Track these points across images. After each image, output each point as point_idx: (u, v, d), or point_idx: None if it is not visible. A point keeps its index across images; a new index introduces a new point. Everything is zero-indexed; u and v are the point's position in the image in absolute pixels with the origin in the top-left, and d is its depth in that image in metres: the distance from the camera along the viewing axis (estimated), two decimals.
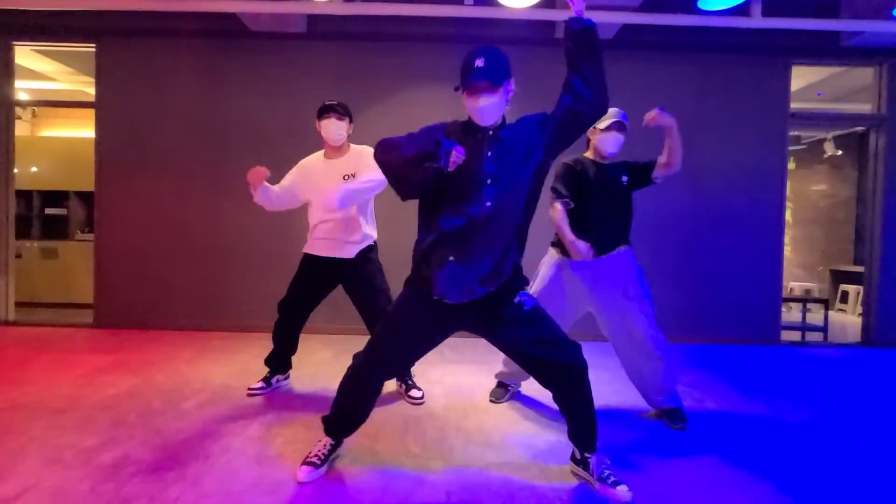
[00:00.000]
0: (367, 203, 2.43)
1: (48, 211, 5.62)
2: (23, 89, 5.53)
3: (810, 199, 7.24)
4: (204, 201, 4.00)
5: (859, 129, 6.41)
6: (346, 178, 2.32)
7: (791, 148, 7.26)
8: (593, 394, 1.64)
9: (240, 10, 3.52)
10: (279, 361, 2.56)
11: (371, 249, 2.44)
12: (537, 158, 1.60)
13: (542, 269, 2.36)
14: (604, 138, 2.20)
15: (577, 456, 1.69)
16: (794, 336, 4.41)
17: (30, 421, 2.04)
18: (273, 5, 3.45)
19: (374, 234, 2.48)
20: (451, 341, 3.60)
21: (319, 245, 2.41)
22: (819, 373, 3.18)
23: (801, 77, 4.95)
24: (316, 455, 1.66)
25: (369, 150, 2.10)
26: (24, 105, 4.34)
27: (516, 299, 1.59)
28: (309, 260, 2.46)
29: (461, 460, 1.80)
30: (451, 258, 1.52)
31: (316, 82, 3.97)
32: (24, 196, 5.47)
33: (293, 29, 3.90)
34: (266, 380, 2.53)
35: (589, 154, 2.30)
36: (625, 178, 2.27)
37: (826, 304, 4.61)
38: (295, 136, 3.97)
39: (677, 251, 3.95)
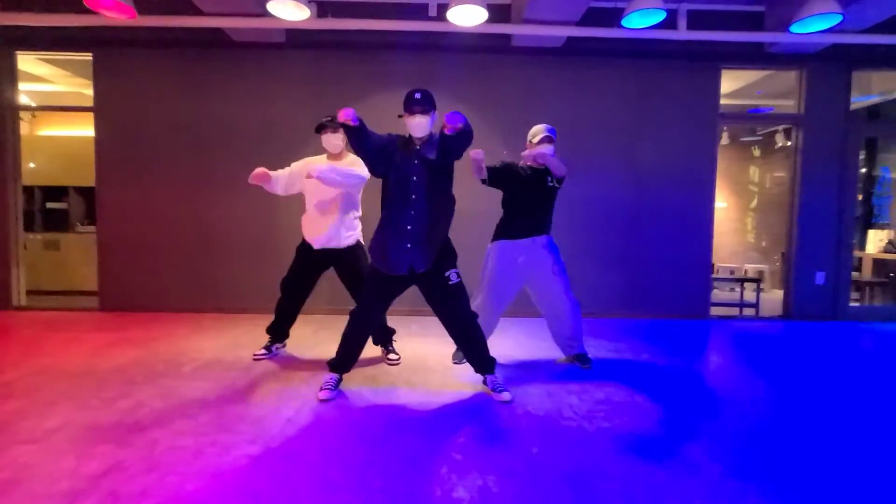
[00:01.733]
0: (353, 206, 2.94)
1: (49, 205, 6.01)
2: (23, 91, 5.87)
3: (766, 186, 7.77)
4: (192, 196, 4.43)
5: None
6: None
7: (750, 138, 7.80)
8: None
9: (223, 25, 3.91)
10: (277, 331, 3.10)
11: (359, 245, 2.96)
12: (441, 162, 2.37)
13: (488, 262, 2.93)
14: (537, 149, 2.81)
15: (482, 378, 2.53)
16: (726, 311, 4.94)
17: (56, 381, 2.51)
18: (252, 21, 3.86)
19: (359, 235, 2.98)
20: (418, 318, 4.10)
21: (318, 238, 2.86)
22: (732, 339, 3.71)
23: (742, 78, 5.42)
24: (328, 383, 2.40)
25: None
26: (28, 109, 4.71)
27: (446, 273, 2.37)
28: (307, 247, 2.93)
29: (402, 400, 2.30)
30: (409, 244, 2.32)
31: (293, 88, 4.39)
32: (26, 191, 5.83)
33: (273, 39, 4.30)
34: (267, 347, 3.06)
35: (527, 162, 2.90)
36: (549, 179, 2.87)
37: (758, 283, 5.14)
38: (273, 136, 4.42)
39: (620, 237, 4.45)
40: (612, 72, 4.39)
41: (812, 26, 3.34)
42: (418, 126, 2.33)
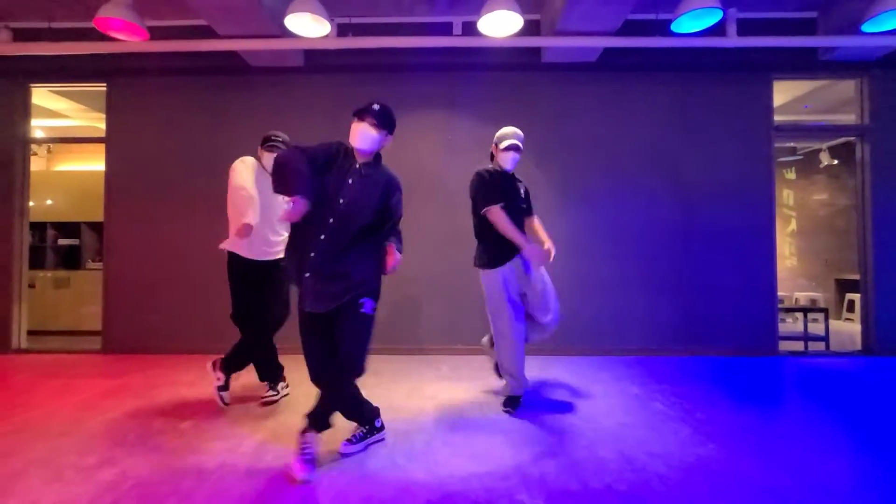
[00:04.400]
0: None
1: (61, 241, 5.83)
2: (39, 127, 5.83)
3: (811, 208, 7.26)
4: (206, 230, 4.14)
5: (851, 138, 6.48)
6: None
7: (788, 158, 7.36)
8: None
9: (240, 48, 3.73)
10: (272, 370, 2.78)
11: None
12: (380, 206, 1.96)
13: (486, 288, 2.56)
14: (503, 157, 2.58)
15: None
16: (795, 346, 4.38)
17: (32, 443, 2.13)
18: (271, 43, 3.66)
19: None
20: (449, 359, 3.69)
21: (266, 251, 2.64)
22: (816, 382, 3.17)
23: (788, 91, 5.06)
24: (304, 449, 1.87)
25: None
26: (38, 142, 4.56)
27: (361, 300, 1.88)
28: (253, 265, 2.63)
29: (445, 471, 1.85)
30: (308, 274, 1.86)
31: (312, 113, 4.16)
32: (39, 228, 5.69)
33: (291, 63, 4.11)
34: (272, 388, 2.74)
35: (494, 165, 2.64)
36: (521, 187, 2.65)
37: (826, 313, 4.58)
38: None
39: (669, 265, 4.00)
40: (653, 87, 4.06)
41: (888, 23, 2.98)
42: (362, 135, 1.92)
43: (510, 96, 4.09)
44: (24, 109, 4.31)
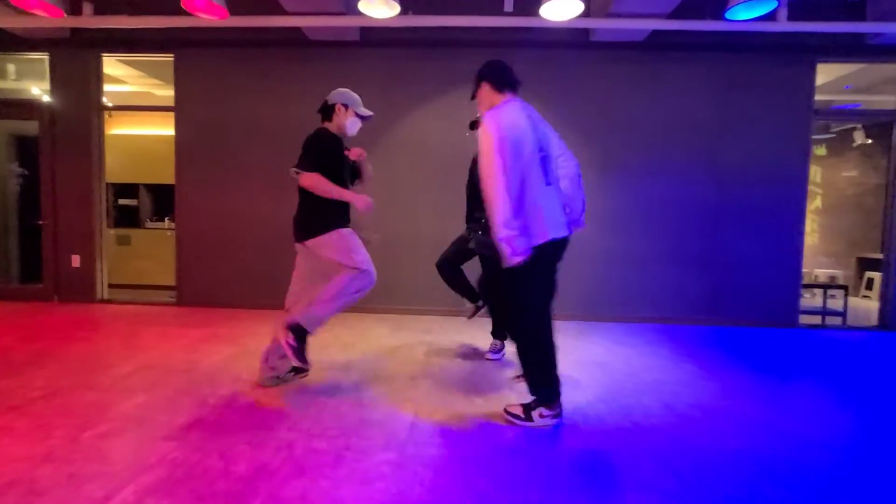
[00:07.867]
0: None
1: (121, 201, 6.23)
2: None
3: (839, 186, 7.34)
4: (267, 193, 4.48)
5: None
6: None
7: (821, 136, 7.38)
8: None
9: (305, 24, 3.93)
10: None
11: None
12: None
13: None
14: (351, 122, 2.53)
15: None
16: (814, 320, 4.66)
17: (167, 377, 2.56)
18: (334, 20, 3.86)
19: None
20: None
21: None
22: (832, 353, 3.49)
23: (829, 72, 5.09)
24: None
25: None
26: (113, 109, 4.88)
27: None
28: None
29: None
30: None
31: (367, 86, 4.35)
32: None
33: (348, 38, 4.30)
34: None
35: (333, 128, 2.55)
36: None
37: (846, 289, 4.83)
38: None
39: (700, 239, 4.26)
40: (697, 66, 4.19)
41: None
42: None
43: (558, 74, 4.26)
44: (97, 78, 4.60)
